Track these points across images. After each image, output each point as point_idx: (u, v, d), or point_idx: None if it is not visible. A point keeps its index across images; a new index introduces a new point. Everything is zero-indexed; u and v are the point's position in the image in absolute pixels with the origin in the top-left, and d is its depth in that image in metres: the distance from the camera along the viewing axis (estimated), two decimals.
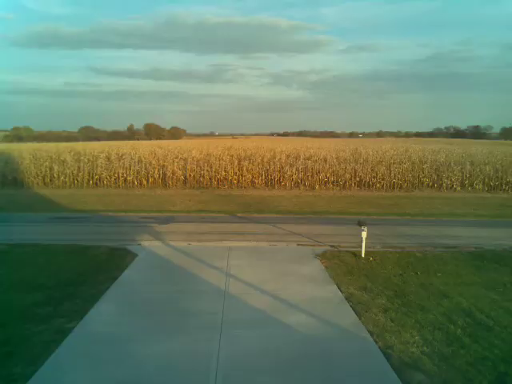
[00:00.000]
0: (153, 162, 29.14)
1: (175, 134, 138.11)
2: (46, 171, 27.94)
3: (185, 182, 27.76)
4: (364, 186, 27.32)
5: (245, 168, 27.97)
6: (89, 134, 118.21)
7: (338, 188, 26.99)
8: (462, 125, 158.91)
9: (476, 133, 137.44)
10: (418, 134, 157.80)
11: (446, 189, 26.84)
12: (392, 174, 27.54)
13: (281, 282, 9.84)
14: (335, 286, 9.66)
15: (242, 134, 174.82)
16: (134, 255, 11.89)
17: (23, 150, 33.29)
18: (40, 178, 27.71)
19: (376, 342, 7.09)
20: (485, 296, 9.19)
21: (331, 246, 13.09)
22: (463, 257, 12.16)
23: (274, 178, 27.77)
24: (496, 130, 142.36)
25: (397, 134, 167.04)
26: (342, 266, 11.21)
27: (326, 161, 29.84)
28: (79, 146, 40.11)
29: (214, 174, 27.71)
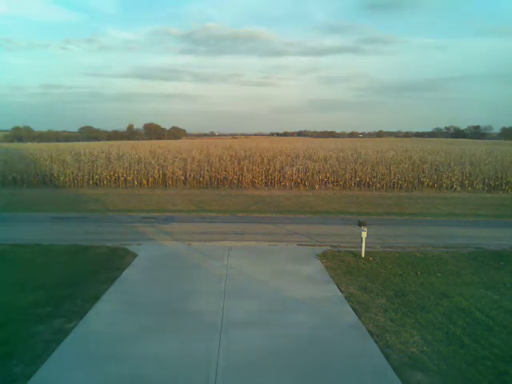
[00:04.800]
0: (153, 161, 29.15)
1: (175, 133, 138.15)
2: (45, 171, 27.95)
3: (185, 182, 27.76)
4: (364, 185, 27.32)
5: (245, 168, 27.96)
6: (89, 133, 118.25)
7: (338, 188, 26.98)
8: (462, 125, 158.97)
9: (476, 133, 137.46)
10: (418, 134, 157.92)
11: (446, 189, 26.83)
12: (392, 174, 27.55)
13: (281, 282, 9.84)
14: (335, 286, 9.66)
15: (242, 134, 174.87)
16: (134, 255, 11.89)
17: (23, 150, 33.32)
18: (40, 177, 27.72)
19: (376, 341, 7.10)
20: (485, 296, 9.20)
21: (331, 246, 13.09)
22: (463, 257, 12.17)
23: (274, 178, 27.77)
24: (496, 130, 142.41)
25: (397, 134, 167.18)
26: (342, 265, 11.21)
27: (326, 161, 29.86)
28: (79, 145, 40.11)
29: (214, 173, 27.71)
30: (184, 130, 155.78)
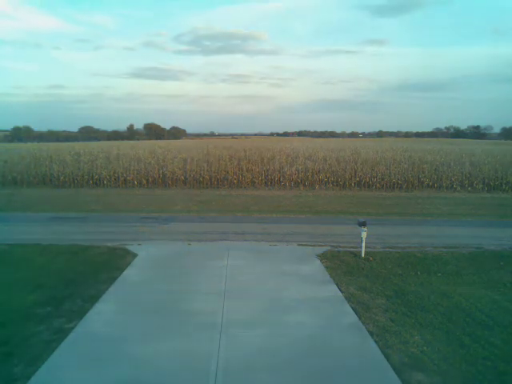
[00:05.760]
0: (152, 161, 29.14)
1: (175, 133, 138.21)
2: (45, 171, 27.95)
3: (185, 181, 27.75)
4: (364, 186, 27.31)
5: (245, 168, 27.97)
6: (89, 133, 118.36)
7: (338, 188, 26.98)
8: (462, 125, 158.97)
9: (476, 133, 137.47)
10: (418, 134, 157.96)
11: (446, 189, 26.83)
12: (392, 174, 27.54)
13: (281, 282, 9.84)
14: (335, 286, 9.65)
15: (242, 134, 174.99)
16: (134, 255, 11.88)
17: (23, 150, 33.32)
18: (40, 177, 27.71)
19: (376, 341, 7.09)
20: (485, 296, 9.19)
21: (331, 246, 13.09)
22: (463, 257, 12.16)
23: (274, 178, 27.76)
24: (496, 130, 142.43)
25: (397, 134, 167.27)
26: (342, 265, 11.21)
27: (325, 161, 29.87)
28: (79, 145, 40.12)
29: (213, 173, 27.71)
30: (184, 130, 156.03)
